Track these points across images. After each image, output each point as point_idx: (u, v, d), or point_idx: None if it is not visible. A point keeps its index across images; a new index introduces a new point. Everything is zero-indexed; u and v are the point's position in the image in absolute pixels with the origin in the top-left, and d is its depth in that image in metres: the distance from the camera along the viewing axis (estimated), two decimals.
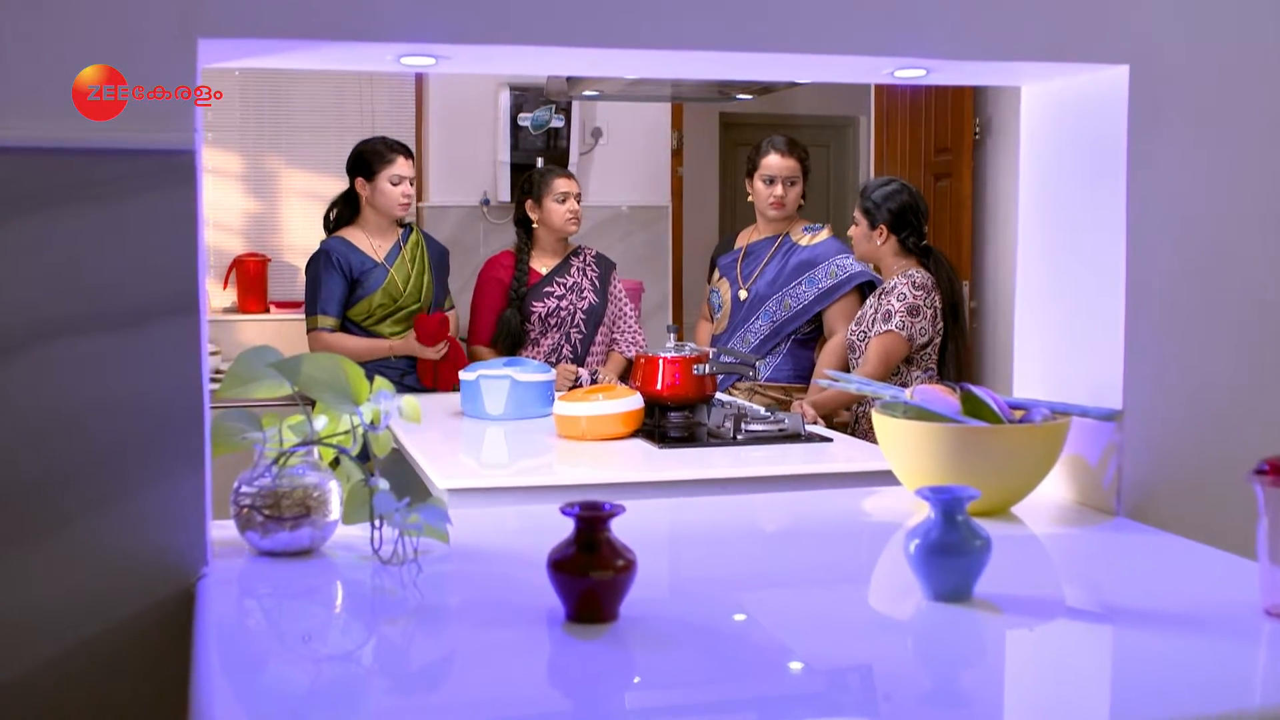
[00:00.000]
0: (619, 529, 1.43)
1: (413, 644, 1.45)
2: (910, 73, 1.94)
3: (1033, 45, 1.87)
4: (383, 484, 1.68)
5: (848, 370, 3.95)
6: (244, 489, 1.68)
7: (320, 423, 1.75)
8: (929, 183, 5.47)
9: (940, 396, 1.94)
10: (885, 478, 2.92)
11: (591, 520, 1.40)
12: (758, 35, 1.78)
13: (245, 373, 1.73)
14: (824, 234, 4.23)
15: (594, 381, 4.19)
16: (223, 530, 1.74)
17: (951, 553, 1.47)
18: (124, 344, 1.56)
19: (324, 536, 1.71)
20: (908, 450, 1.92)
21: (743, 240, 4.33)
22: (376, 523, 1.66)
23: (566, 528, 1.43)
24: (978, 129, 5.28)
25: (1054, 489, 2.04)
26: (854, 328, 3.83)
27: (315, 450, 1.73)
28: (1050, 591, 1.67)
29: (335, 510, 1.71)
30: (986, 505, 1.86)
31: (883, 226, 3.75)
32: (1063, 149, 2.07)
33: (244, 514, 1.68)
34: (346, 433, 1.75)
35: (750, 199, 4.29)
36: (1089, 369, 1.98)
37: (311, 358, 1.70)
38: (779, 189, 4.16)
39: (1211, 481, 1.92)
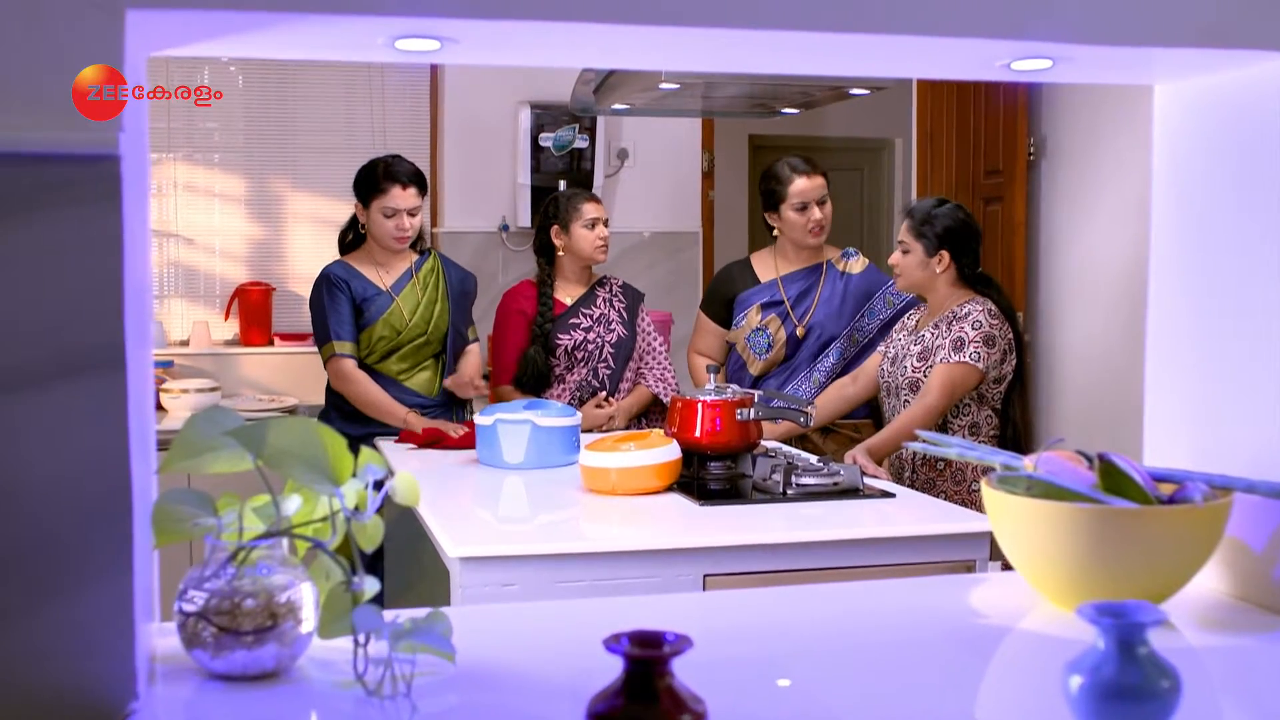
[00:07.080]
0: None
1: None
2: (1031, 64, 1.56)
3: (1183, 27, 1.49)
4: (369, 587, 1.30)
5: (874, 396, 3.65)
6: (191, 593, 1.30)
7: (293, 504, 1.38)
8: (978, 207, 5.09)
9: (1069, 467, 1.55)
10: (955, 541, 2.57)
11: (647, 663, 1.01)
12: (842, 12, 1.40)
13: (197, 441, 1.35)
14: (862, 259, 3.95)
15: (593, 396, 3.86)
16: (168, 639, 1.37)
17: (1131, 697, 1.09)
18: (18, 413, 1.16)
19: (294, 654, 1.32)
20: (1032, 535, 1.53)
21: (766, 272, 3.94)
22: (361, 638, 1.29)
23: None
24: (1032, 149, 4.90)
25: (1206, 580, 1.65)
26: (888, 367, 3.46)
27: (285, 542, 1.35)
28: None
29: (309, 620, 1.33)
30: None
31: (944, 253, 3.36)
32: (1211, 161, 1.68)
33: (190, 626, 1.30)
34: (324, 519, 1.37)
35: (776, 233, 3.92)
36: (1249, 432, 1.59)
37: (280, 424, 1.32)
38: (815, 213, 3.82)
39: None
